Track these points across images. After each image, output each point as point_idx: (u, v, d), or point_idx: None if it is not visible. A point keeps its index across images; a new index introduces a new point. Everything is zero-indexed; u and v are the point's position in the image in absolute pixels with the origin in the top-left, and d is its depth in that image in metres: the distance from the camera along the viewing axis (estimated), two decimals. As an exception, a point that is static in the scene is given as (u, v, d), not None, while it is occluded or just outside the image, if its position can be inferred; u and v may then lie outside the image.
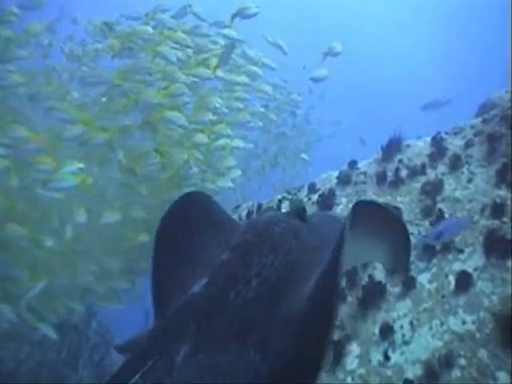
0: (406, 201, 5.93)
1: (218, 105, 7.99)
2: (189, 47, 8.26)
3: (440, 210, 5.51)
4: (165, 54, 7.59)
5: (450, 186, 5.80)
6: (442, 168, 6.06)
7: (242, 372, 1.93)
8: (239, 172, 8.14)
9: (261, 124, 9.60)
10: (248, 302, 2.24)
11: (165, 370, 2.01)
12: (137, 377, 1.99)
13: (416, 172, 6.12)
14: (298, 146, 12.04)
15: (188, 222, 2.94)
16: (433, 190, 5.79)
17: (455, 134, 6.46)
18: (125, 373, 2.05)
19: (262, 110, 9.86)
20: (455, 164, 5.97)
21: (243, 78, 8.92)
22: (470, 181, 5.73)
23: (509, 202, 5.15)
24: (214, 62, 8.12)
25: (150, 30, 7.98)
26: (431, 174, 6.03)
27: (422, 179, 6.02)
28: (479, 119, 6.39)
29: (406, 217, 5.69)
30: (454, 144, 6.31)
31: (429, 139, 6.55)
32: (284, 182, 11.73)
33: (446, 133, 6.56)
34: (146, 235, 7.52)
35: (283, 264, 2.42)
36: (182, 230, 2.89)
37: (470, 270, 4.76)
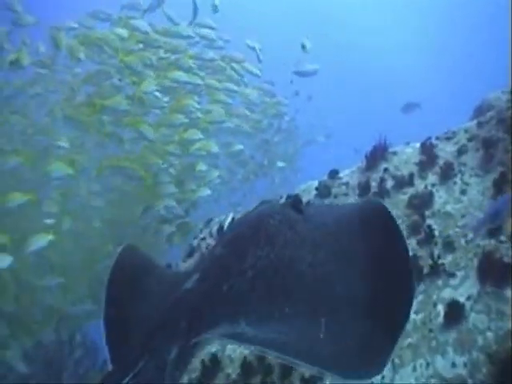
0: (391, 215, 5.24)
1: (193, 108, 7.44)
2: (160, 47, 7.74)
3: (429, 226, 4.83)
4: (132, 66, 7.10)
5: (440, 198, 5.12)
6: (432, 178, 5.37)
7: None
8: (216, 174, 7.60)
9: (246, 128, 9.05)
10: (242, 293, 2.17)
11: (157, 370, 1.97)
12: (128, 378, 1.94)
13: (403, 183, 5.44)
14: (287, 151, 11.39)
15: (130, 278, 2.87)
16: (421, 203, 5.11)
17: (447, 139, 5.79)
18: (117, 374, 2.02)
19: (248, 113, 9.28)
20: (447, 173, 5.29)
21: (228, 85, 8.49)
22: (463, 192, 5.05)
23: (507, 218, 4.46)
24: (188, 62, 7.62)
25: (122, 32, 7.50)
26: (420, 185, 5.35)
27: (410, 191, 5.34)
28: (474, 122, 5.71)
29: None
30: (446, 150, 5.63)
31: (418, 145, 5.88)
32: (272, 189, 11.10)
33: (437, 138, 5.88)
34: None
35: (279, 257, 2.35)
36: (127, 280, 2.83)
37: (461, 300, 4.07)
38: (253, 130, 9.73)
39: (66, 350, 9.89)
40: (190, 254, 6.93)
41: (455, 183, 5.19)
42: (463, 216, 4.82)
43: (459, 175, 5.25)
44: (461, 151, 5.47)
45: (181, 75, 7.55)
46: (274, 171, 11.14)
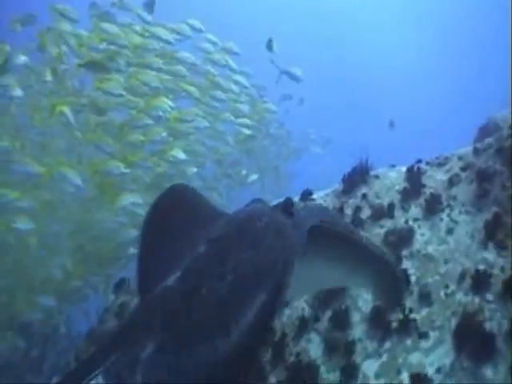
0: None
1: (161, 113, 6.79)
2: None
3: (405, 270, 4.08)
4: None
5: (422, 236, 4.36)
6: (415, 211, 4.61)
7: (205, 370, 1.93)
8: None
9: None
10: (220, 298, 2.19)
11: (128, 365, 1.99)
12: (98, 371, 1.94)
13: (381, 213, 4.68)
14: (276, 158, 10.62)
15: (172, 215, 2.94)
16: (399, 240, 4.36)
17: (438, 165, 5.01)
18: (87, 366, 2.02)
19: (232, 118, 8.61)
20: (433, 207, 4.53)
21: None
22: (449, 232, 4.29)
23: (496, 272, 3.71)
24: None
25: None
26: (400, 219, 4.59)
27: (388, 224, 4.58)
28: (470, 148, 4.93)
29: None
30: (436, 179, 4.86)
31: (404, 169, 5.11)
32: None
33: (428, 163, 5.11)
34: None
35: (261, 262, 2.34)
36: (166, 223, 2.88)
37: (430, 372, 3.33)
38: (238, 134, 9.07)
39: (48, 341, 9.75)
40: None
41: (441, 220, 4.42)
42: (446, 261, 4.06)
43: (447, 210, 4.48)
44: (452, 181, 4.69)
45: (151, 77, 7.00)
46: (262, 179, 10.38)
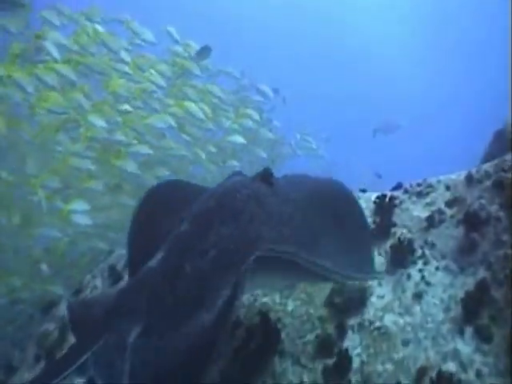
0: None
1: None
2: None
3: (345, 350, 2.94)
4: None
5: (380, 300, 3.19)
6: (376, 260, 3.41)
7: (190, 341, 1.94)
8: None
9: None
10: (204, 274, 2.19)
11: (116, 349, 1.98)
12: (86, 356, 1.95)
13: (332, 260, 3.52)
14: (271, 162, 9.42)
15: (162, 204, 2.99)
16: (346, 304, 3.19)
17: (419, 195, 3.76)
18: (76, 350, 2.03)
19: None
20: (401, 257, 3.33)
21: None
22: (418, 297, 3.10)
23: (469, 378, 2.53)
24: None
25: None
26: (355, 270, 3.41)
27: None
28: (462, 176, 3.65)
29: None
30: (412, 215, 3.63)
31: (374, 197, 3.88)
32: None
33: (406, 190, 3.86)
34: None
35: (244, 233, 2.34)
36: (155, 212, 2.92)
37: None
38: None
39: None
40: (78, 291, 5.26)
41: (409, 277, 3.23)
42: (406, 343, 2.90)
43: (420, 263, 3.28)
44: (432, 221, 3.46)
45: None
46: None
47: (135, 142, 6.46)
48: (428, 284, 3.14)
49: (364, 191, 4.09)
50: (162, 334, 2.01)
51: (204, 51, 7.28)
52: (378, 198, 3.77)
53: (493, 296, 2.75)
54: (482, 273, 2.93)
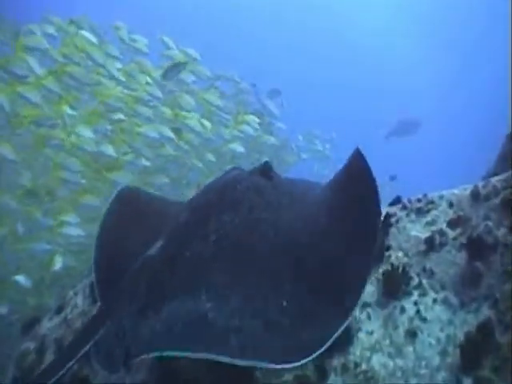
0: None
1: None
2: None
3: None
4: None
5: (368, 337, 2.78)
6: (367, 289, 3.00)
7: (190, 324, 1.89)
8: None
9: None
10: (204, 258, 2.17)
11: (115, 335, 2.02)
12: (89, 346, 2.01)
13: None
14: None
15: (124, 216, 2.99)
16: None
17: (418, 212, 3.32)
18: (80, 341, 2.10)
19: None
20: (395, 286, 2.91)
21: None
22: (411, 336, 2.68)
23: None
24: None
25: None
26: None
27: (322, 308, 3.04)
28: (468, 191, 3.20)
29: None
30: (409, 235, 3.19)
31: (368, 215, 3.46)
32: None
33: (405, 207, 3.43)
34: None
35: (244, 221, 2.31)
36: (119, 224, 2.93)
37: None
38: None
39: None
40: (59, 310, 5.01)
41: (403, 311, 2.81)
42: (396, 391, 2.50)
43: (415, 294, 2.86)
44: (432, 244, 3.03)
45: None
46: None
47: (129, 151, 6.22)
48: (424, 320, 2.72)
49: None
50: (159, 314, 2.00)
51: (175, 67, 6.84)
52: (371, 215, 3.35)
53: (497, 341, 2.32)
54: (485, 311, 2.50)
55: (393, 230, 3.28)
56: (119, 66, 6.40)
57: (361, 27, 28.17)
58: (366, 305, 2.91)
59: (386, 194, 3.86)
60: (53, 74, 5.65)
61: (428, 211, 3.28)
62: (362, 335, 2.80)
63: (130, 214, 3.01)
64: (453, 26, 26.22)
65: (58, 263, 5.68)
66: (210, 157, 7.13)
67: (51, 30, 6.16)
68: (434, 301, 2.78)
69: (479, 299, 2.59)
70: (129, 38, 7.00)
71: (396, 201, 3.59)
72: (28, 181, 5.56)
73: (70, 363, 2.00)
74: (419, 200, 3.39)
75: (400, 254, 3.11)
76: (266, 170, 2.78)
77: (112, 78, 6.20)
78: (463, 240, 2.92)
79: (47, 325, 4.76)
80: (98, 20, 6.85)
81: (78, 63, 5.95)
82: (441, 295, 2.79)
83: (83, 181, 5.77)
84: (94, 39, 6.33)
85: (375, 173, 2.94)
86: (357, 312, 2.89)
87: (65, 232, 5.58)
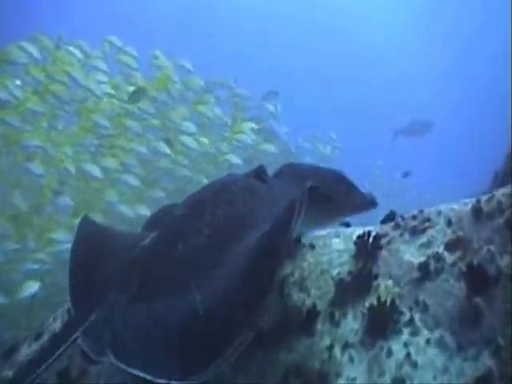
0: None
1: None
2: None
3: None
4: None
5: (350, 385, 2.38)
6: (350, 326, 2.59)
7: (178, 314, 1.88)
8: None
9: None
10: (197, 249, 2.20)
11: (104, 322, 2.03)
12: (78, 333, 1.99)
13: (295, 327, 2.72)
14: None
15: (90, 244, 2.98)
16: (305, 391, 2.43)
17: (413, 231, 2.88)
18: (70, 326, 2.13)
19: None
20: (382, 323, 2.50)
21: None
22: (399, 384, 2.27)
23: None
24: None
25: None
26: (321, 341, 2.60)
27: (299, 348, 2.62)
28: (469, 207, 2.73)
29: None
30: (402, 259, 2.76)
31: (355, 236, 3.04)
32: None
33: (398, 225, 2.99)
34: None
35: (237, 215, 2.39)
36: (87, 251, 2.90)
37: None
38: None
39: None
40: (38, 336, 4.80)
41: (390, 353, 2.39)
42: None
43: (406, 333, 2.43)
44: (427, 271, 2.59)
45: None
46: None
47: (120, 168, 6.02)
48: (414, 366, 2.29)
49: (348, 225, 3.26)
50: (149, 304, 1.99)
51: (137, 93, 6.57)
52: (359, 238, 2.94)
53: (499, 398, 1.89)
54: (486, 359, 2.06)
55: (383, 253, 2.85)
56: (106, 79, 6.25)
57: (360, 21, 27.58)
58: (348, 345, 2.50)
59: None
60: (39, 95, 5.55)
61: (423, 230, 2.83)
62: (341, 382, 2.40)
63: (94, 243, 3.00)
64: (448, 20, 25.56)
65: (32, 288, 5.52)
66: (207, 168, 6.88)
67: (35, 49, 6.06)
68: (427, 341, 2.35)
69: (479, 343, 2.15)
70: (120, 51, 6.84)
71: (389, 217, 3.16)
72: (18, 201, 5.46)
73: (60, 350, 1.97)
74: (414, 217, 2.94)
75: (390, 282, 2.69)
76: (260, 173, 2.88)
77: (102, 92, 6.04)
78: (462, 267, 2.47)
79: (26, 351, 4.55)
80: (87, 34, 6.71)
81: (63, 82, 5.84)
82: (435, 335, 2.35)
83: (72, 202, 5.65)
84: (80, 55, 6.21)
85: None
86: (337, 353, 2.49)
87: (53, 250, 5.45)
